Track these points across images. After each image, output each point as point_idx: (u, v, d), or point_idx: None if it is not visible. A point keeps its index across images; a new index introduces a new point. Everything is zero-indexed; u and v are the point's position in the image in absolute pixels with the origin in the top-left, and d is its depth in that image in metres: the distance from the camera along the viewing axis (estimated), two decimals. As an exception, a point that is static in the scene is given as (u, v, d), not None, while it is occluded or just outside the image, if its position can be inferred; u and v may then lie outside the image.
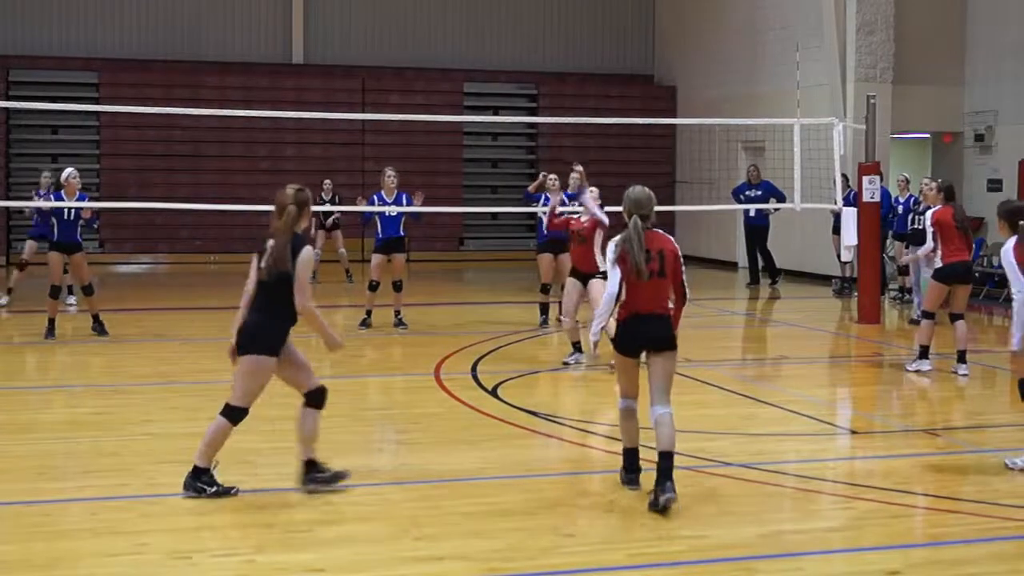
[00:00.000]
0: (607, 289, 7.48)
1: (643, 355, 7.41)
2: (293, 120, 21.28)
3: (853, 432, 9.79)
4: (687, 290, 7.48)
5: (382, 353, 13.73)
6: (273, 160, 24.00)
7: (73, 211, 14.02)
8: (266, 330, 7.31)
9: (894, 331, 15.61)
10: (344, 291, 19.14)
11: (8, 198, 22.89)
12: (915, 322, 15.98)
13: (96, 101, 23.39)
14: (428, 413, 10.31)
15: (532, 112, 26.14)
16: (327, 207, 19.16)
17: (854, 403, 11.10)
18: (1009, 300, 17.90)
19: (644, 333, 7.31)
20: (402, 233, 14.83)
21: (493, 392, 10.79)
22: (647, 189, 7.64)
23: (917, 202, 16.23)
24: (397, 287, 14.79)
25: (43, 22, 24.30)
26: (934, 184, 13.69)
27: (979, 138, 20.39)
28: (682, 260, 7.49)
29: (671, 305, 7.43)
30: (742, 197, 20.62)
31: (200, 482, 7.33)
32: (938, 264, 12.08)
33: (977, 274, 19.34)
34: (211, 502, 7.37)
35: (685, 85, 26.26)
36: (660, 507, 6.99)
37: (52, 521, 6.92)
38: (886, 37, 20.17)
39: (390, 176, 14.82)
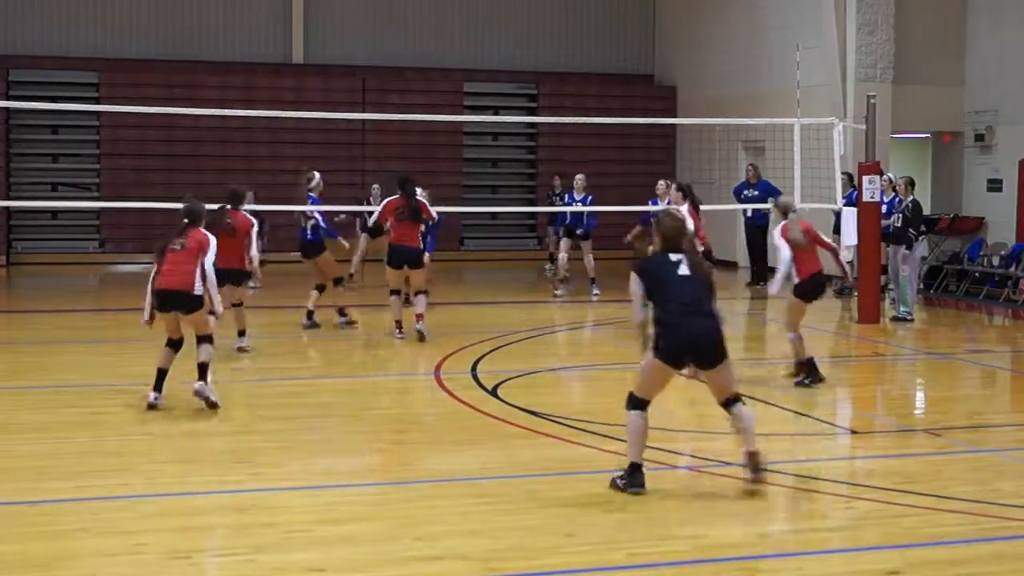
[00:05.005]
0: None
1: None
2: (293, 120, 21.26)
3: (853, 432, 9.79)
4: None
5: (382, 353, 13.73)
6: (273, 160, 23.98)
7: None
8: None
9: (894, 331, 15.59)
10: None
11: (8, 198, 22.87)
12: (897, 319, 16.01)
13: (96, 101, 23.37)
14: (428, 413, 10.32)
15: (532, 112, 26.12)
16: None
17: (854, 403, 11.09)
18: (1010, 300, 18.07)
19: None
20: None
21: (493, 392, 10.79)
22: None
23: (901, 202, 16.25)
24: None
25: (43, 22, 24.27)
26: (900, 179, 16.36)
27: (979, 138, 20.38)
28: None
29: None
30: (741, 196, 20.63)
31: None
32: None
33: (977, 274, 19.41)
34: (209, 501, 7.37)
35: (685, 85, 26.25)
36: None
37: (52, 521, 6.91)
38: (886, 37, 20.16)
39: (579, 179, 18.51)
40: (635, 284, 7.56)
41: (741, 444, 7.65)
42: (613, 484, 7.48)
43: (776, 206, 11.37)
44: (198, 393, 9.72)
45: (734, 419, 7.60)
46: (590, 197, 18.45)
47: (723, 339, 7.45)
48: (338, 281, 14.79)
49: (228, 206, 12.26)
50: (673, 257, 7.53)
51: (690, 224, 12.82)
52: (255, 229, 12.59)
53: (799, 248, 10.95)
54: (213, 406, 9.71)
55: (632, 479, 7.41)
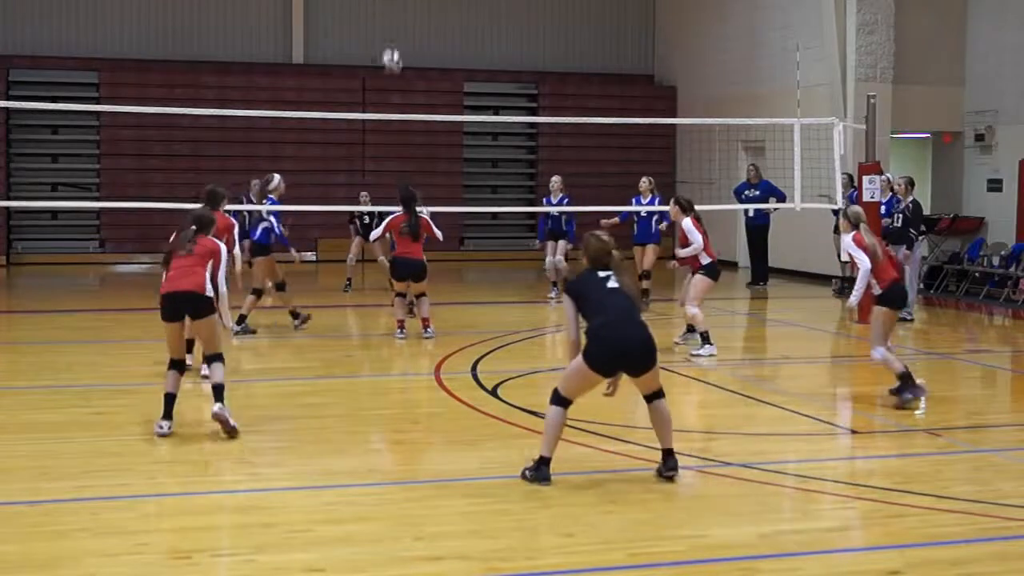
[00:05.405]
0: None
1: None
2: (293, 120, 21.26)
3: (853, 432, 9.79)
4: None
5: (382, 353, 13.73)
6: (273, 160, 23.99)
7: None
8: None
9: (894, 331, 15.56)
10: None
11: (8, 198, 22.88)
12: (904, 320, 15.98)
13: (96, 101, 23.38)
14: (428, 413, 10.31)
15: (532, 112, 26.15)
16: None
17: (854, 403, 11.09)
18: (1010, 300, 18.08)
19: None
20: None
21: (493, 392, 10.79)
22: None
23: (899, 202, 16.23)
24: None
25: (43, 22, 24.29)
26: (900, 179, 16.31)
27: (979, 138, 20.38)
28: None
29: None
30: (742, 196, 20.63)
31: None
32: None
33: (977, 274, 19.42)
34: (209, 501, 7.37)
35: (685, 85, 26.26)
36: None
37: (52, 521, 6.91)
38: (886, 37, 20.16)
39: (555, 181, 17.94)
40: (567, 303, 7.90)
41: (658, 441, 7.83)
42: (523, 475, 7.74)
43: (846, 217, 10.90)
44: (217, 417, 8.92)
45: (655, 412, 7.80)
46: (566, 199, 18.00)
47: (654, 346, 7.67)
48: (257, 292, 14.24)
49: (208, 207, 11.94)
50: (601, 274, 7.83)
51: (697, 238, 12.69)
52: (236, 229, 12.49)
53: (876, 258, 10.59)
54: (232, 431, 8.90)
55: (538, 472, 7.69)
